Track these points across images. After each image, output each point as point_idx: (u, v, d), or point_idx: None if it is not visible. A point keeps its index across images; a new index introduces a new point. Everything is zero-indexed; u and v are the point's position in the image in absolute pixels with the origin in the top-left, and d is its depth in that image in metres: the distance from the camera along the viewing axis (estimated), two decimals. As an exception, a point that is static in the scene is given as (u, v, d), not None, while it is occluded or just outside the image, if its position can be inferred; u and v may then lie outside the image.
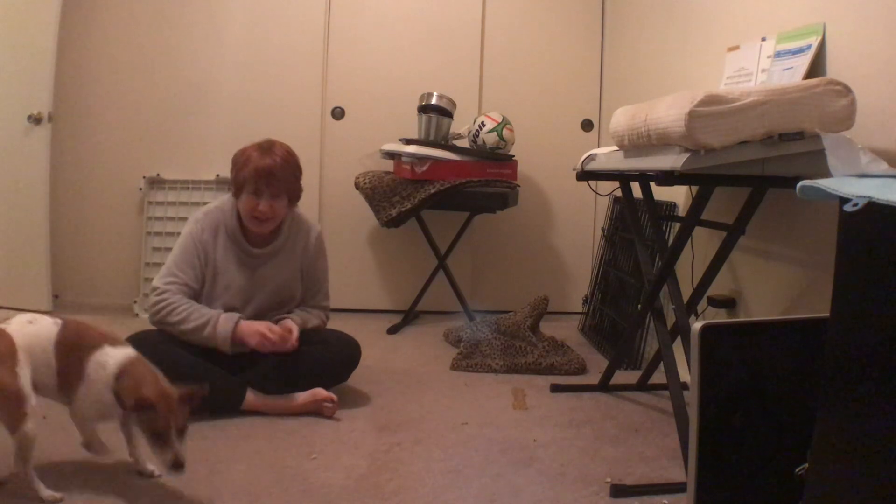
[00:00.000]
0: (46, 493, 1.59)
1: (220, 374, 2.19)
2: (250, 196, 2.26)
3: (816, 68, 1.91)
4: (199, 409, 2.17)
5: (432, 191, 3.32)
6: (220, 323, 2.19)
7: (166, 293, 2.22)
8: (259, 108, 3.72)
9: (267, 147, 2.30)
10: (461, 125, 3.52)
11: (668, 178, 1.74)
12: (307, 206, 3.68)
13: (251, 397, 2.23)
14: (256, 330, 2.22)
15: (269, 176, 2.24)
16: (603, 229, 3.60)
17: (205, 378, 2.16)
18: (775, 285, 2.19)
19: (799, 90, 1.65)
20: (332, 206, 3.81)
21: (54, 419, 2.13)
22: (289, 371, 2.27)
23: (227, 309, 2.29)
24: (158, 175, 3.71)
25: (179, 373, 2.12)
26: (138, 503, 1.64)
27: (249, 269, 2.35)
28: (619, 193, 2.48)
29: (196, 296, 2.28)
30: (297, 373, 2.28)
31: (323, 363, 2.36)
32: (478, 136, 3.42)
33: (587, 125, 3.89)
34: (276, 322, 2.33)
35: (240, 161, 2.29)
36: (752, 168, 1.70)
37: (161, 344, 2.16)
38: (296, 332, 2.27)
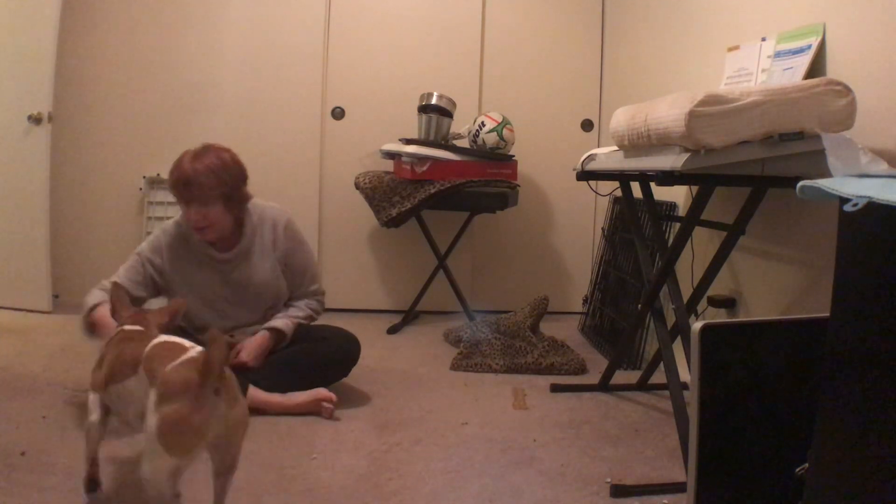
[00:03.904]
0: None
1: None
2: (181, 205, 2.18)
3: (816, 68, 1.91)
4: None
5: (432, 191, 3.32)
6: (86, 305, 2.11)
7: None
8: (259, 108, 3.72)
9: (198, 153, 2.18)
10: (461, 125, 3.52)
11: (668, 178, 1.74)
12: (308, 206, 3.71)
13: (251, 395, 2.22)
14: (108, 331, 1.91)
15: (185, 184, 2.12)
16: (603, 229, 3.59)
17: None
18: (775, 285, 2.19)
19: (799, 90, 1.65)
20: (332, 206, 3.81)
21: (54, 418, 2.13)
22: (289, 368, 2.28)
23: (217, 319, 2.29)
24: (158, 175, 3.71)
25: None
26: (138, 501, 1.64)
27: (223, 275, 2.32)
28: (619, 193, 2.48)
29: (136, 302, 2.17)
30: (297, 370, 2.28)
31: (323, 359, 2.36)
32: (478, 136, 3.42)
33: (587, 125, 3.89)
34: (253, 333, 2.32)
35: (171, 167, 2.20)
36: (752, 168, 1.70)
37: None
38: (245, 357, 2.23)
